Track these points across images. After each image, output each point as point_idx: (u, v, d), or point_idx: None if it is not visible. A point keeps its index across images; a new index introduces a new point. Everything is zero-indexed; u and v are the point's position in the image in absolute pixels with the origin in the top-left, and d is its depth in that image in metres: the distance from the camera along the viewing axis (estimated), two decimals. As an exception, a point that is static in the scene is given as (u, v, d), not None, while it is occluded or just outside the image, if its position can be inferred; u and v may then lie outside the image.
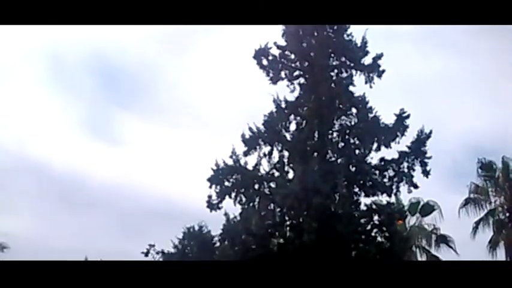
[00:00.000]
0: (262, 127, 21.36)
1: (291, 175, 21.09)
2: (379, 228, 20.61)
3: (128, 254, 33.10)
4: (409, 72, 40.23)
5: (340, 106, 21.67)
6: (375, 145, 21.23)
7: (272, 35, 21.94)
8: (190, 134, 49.34)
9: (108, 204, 48.50)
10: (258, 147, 21.28)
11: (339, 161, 21.23)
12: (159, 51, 49.22)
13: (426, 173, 21.10)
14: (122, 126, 53.96)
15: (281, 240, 20.57)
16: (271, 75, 21.87)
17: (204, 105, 47.65)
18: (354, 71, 21.93)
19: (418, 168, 21.14)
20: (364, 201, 21.03)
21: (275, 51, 22.00)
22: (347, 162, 21.11)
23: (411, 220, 32.09)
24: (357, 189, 21.03)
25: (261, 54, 21.87)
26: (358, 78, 21.82)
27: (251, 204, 20.94)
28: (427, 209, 32.24)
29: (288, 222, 20.89)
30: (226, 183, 21.03)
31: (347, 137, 21.43)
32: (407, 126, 21.28)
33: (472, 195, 31.56)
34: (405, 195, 23.74)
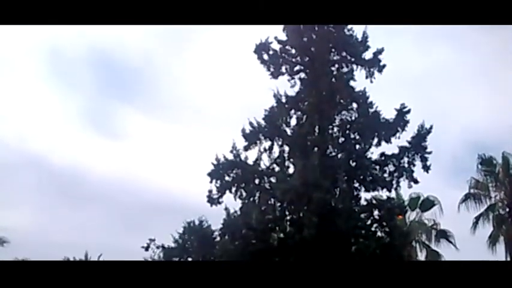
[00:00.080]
0: (262, 122, 21.37)
1: (291, 170, 21.11)
2: (379, 223, 20.64)
3: (128, 249, 33.27)
4: (410, 67, 40.23)
5: (341, 101, 21.65)
6: (376, 140, 21.25)
7: (273, 29, 21.97)
8: (190, 128, 49.47)
9: (108, 198, 48.69)
10: (258, 142, 21.29)
11: (339, 156, 21.24)
12: (159, 46, 49.27)
13: (426, 168, 21.13)
14: (122, 120, 54.11)
15: (281, 235, 20.58)
16: (271, 70, 21.86)
17: (204, 99, 47.77)
18: (354, 66, 21.92)
19: (418, 163, 21.19)
20: (365, 196, 21.13)
21: (276, 46, 22.01)
22: (347, 157, 21.12)
23: (411, 215, 32.12)
24: (357, 184, 21.06)
25: (261, 48, 21.84)
26: (359, 73, 21.87)
27: (251, 199, 20.97)
28: (427, 204, 32.26)
29: (288, 217, 20.90)
30: (227, 178, 21.06)
31: (347, 132, 21.42)
32: (407, 121, 21.29)
33: (472, 191, 31.54)
34: (405, 190, 23.82)
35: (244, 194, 21.00)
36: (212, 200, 21.02)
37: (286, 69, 21.97)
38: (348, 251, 19.99)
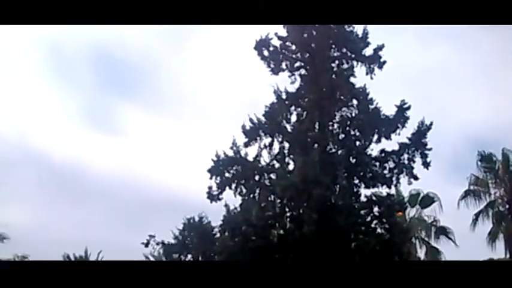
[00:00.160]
0: (262, 118, 21.36)
1: (291, 166, 21.13)
2: (379, 220, 20.67)
3: (128, 245, 33.29)
4: (410, 63, 40.13)
5: (341, 97, 21.65)
6: (376, 136, 21.26)
7: (273, 26, 21.91)
8: (190, 124, 49.24)
9: (108, 195, 48.55)
10: (258, 138, 21.30)
11: (339, 152, 21.25)
12: (160, 42, 49.10)
13: (426, 165, 21.15)
14: (122, 117, 54.01)
15: (281, 232, 20.61)
16: (272, 66, 21.85)
17: (204, 96, 47.63)
18: (355, 62, 21.92)
19: (418, 159, 21.22)
20: (364, 192, 21.17)
21: (276, 42, 22.01)
22: (347, 153, 21.14)
23: (411, 212, 32.13)
24: (357, 181, 21.09)
25: (262, 45, 21.82)
26: (359, 69, 21.89)
27: (251, 196, 20.98)
28: (427, 200, 32.29)
29: (288, 214, 20.92)
30: (227, 175, 21.07)
31: (347, 128, 21.44)
32: (407, 118, 21.29)
33: (471, 187, 31.60)
34: (405, 187, 23.92)
35: (244, 190, 21.01)
36: (212, 197, 21.03)
37: (286, 65, 21.96)
38: (348, 247, 20.01)
